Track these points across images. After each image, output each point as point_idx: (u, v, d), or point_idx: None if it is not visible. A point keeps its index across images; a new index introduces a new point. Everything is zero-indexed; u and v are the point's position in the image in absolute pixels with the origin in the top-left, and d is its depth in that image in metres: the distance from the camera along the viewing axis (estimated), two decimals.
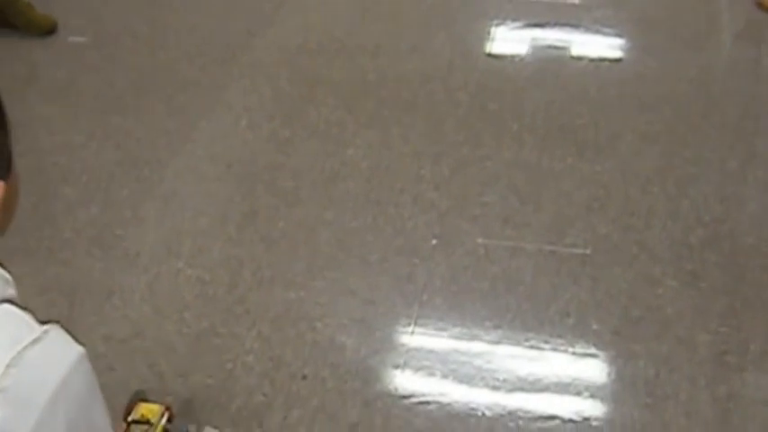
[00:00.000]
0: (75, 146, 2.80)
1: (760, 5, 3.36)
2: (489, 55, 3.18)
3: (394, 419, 1.92)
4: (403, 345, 2.10)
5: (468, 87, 2.99)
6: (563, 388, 1.98)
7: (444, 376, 2.02)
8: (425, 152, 2.70)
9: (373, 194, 2.54)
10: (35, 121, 2.90)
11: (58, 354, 0.76)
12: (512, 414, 1.93)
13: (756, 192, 2.52)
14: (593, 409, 1.94)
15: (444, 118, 2.85)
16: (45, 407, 0.72)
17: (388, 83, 3.03)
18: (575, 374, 2.01)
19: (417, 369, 2.04)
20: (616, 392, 1.97)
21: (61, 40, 3.39)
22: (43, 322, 0.79)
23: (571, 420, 1.91)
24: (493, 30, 3.30)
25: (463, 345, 2.10)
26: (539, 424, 1.90)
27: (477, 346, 2.09)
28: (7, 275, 0.82)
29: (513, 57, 3.18)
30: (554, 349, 2.07)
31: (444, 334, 2.13)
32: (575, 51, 3.17)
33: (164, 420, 1.77)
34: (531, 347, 2.08)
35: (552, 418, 1.92)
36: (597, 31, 3.29)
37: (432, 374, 2.03)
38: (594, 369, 2.04)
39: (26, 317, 0.79)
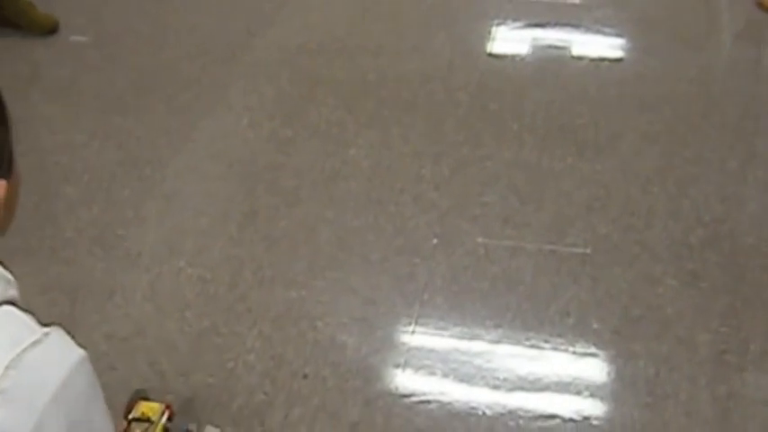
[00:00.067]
0: (76, 145, 2.81)
1: (760, 5, 3.36)
2: (490, 55, 3.18)
3: (395, 418, 1.93)
4: (404, 344, 2.11)
5: (468, 87, 2.99)
6: (563, 387, 1.98)
7: (445, 375, 2.02)
8: (426, 152, 2.70)
9: (374, 194, 2.55)
10: (37, 120, 2.91)
11: (59, 356, 0.76)
12: (512, 413, 1.93)
13: (756, 192, 2.52)
14: (593, 408, 1.94)
15: (445, 118, 2.85)
16: (44, 409, 0.72)
17: (389, 83, 3.04)
18: (575, 374, 2.01)
19: (418, 368, 2.05)
20: (616, 392, 1.98)
21: (63, 39, 3.39)
22: (45, 324, 0.79)
23: (571, 419, 1.91)
24: (493, 30, 3.30)
25: (464, 344, 2.11)
26: (539, 423, 1.91)
27: (477, 346, 2.10)
28: (9, 276, 0.82)
29: (513, 57, 3.18)
30: (554, 348, 2.07)
31: (445, 333, 2.13)
32: (575, 51, 3.18)
33: (164, 418, 1.78)
34: (532, 347, 2.08)
35: (552, 417, 1.92)
36: (598, 31, 3.30)
37: (432, 373, 2.03)
38: (595, 368, 2.04)
39: (27, 318, 0.79)
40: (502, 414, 1.93)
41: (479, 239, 2.37)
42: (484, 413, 1.93)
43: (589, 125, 2.78)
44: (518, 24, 3.33)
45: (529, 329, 2.12)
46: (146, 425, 1.75)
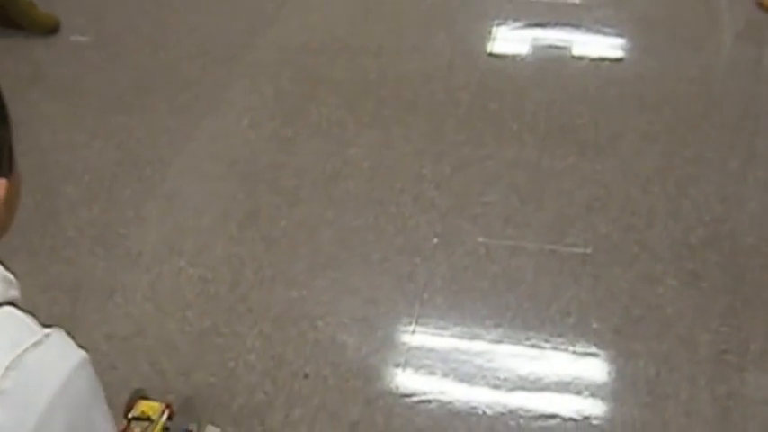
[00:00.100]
0: (77, 145, 2.81)
1: (760, 5, 3.36)
2: (490, 55, 3.18)
3: (395, 418, 1.93)
4: (404, 343, 2.11)
5: (469, 87, 2.99)
6: (563, 387, 1.99)
7: (445, 375, 2.03)
8: (427, 152, 2.70)
9: (375, 194, 2.55)
10: (38, 119, 2.91)
11: (59, 357, 0.76)
12: (512, 412, 1.93)
13: (757, 191, 2.52)
14: (593, 407, 1.94)
15: (445, 118, 2.85)
16: (44, 410, 0.71)
17: (390, 82, 3.04)
18: (575, 373, 2.02)
19: (418, 368, 2.05)
20: (616, 391, 1.98)
21: (64, 39, 3.40)
22: (46, 325, 0.79)
23: (572, 419, 1.91)
24: (494, 30, 3.31)
25: (464, 343, 2.11)
26: (539, 422, 1.91)
27: (477, 345, 2.10)
28: (11, 277, 0.82)
29: (514, 56, 3.19)
30: (555, 348, 2.08)
31: (445, 333, 2.13)
32: (575, 51, 3.18)
33: (164, 417, 1.78)
34: (532, 346, 2.09)
35: (553, 416, 1.92)
36: (598, 31, 3.30)
37: (433, 373, 2.03)
38: (595, 368, 2.05)
39: (28, 319, 0.78)
40: (502, 413, 1.93)
41: (480, 239, 2.37)
42: (484, 412, 1.93)
43: (589, 125, 2.78)
44: (518, 24, 3.34)
45: (529, 329, 2.12)
46: (145, 424, 1.76)
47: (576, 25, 3.32)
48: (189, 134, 2.83)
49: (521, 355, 2.07)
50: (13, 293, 0.80)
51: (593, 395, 1.97)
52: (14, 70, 3.20)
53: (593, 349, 2.07)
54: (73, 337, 0.80)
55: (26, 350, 0.73)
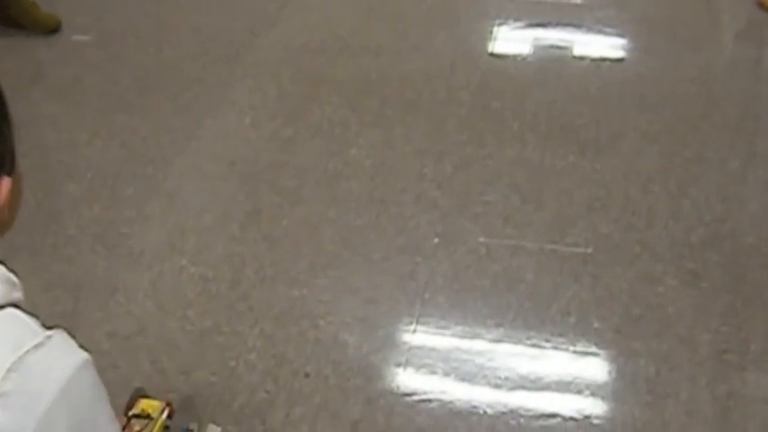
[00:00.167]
0: (79, 144, 2.82)
1: (761, 6, 3.37)
2: (491, 55, 3.19)
3: (396, 417, 1.94)
4: (405, 343, 2.11)
5: (470, 87, 3.00)
6: (564, 386, 1.99)
7: (446, 374, 2.03)
8: (428, 151, 2.71)
9: (376, 193, 2.55)
10: (40, 119, 2.92)
11: (61, 359, 0.76)
12: (513, 412, 1.94)
13: (757, 191, 2.53)
14: (593, 407, 1.94)
15: (447, 117, 2.86)
16: (46, 412, 0.71)
17: (391, 82, 3.04)
18: (576, 373, 2.02)
19: (419, 367, 2.05)
20: (617, 391, 1.98)
21: (65, 38, 3.40)
22: (48, 326, 0.79)
23: (572, 418, 1.92)
24: (495, 29, 3.31)
25: (465, 343, 2.11)
26: (540, 422, 1.91)
27: (478, 345, 2.10)
28: (14, 279, 0.82)
29: (515, 56, 3.19)
30: (555, 348, 2.08)
31: (446, 332, 2.14)
32: (577, 51, 3.18)
33: (164, 415, 1.78)
34: (533, 346, 2.09)
35: (553, 416, 1.93)
36: (599, 32, 3.30)
37: (433, 372, 2.04)
38: (595, 367, 2.05)
39: (31, 321, 0.78)
40: (503, 413, 1.93)
41: (481, 238, 2.38)
42: (485, 412, 1.94)
43: (590, 125, 2.79)
44: (520, 24, 3.34)
45: (530, 328, 2.13)
46: (145, 421, 1.76)
47: (577, 25, 3.33)
48: (191, 133, 2.84)
49: (521, 355, 2.08)
50: (17, 295, 0.80)
51: (593, 394, 1.97)
52: (16, 69, 3.20)
53: (594, 349, 2.08)
54: (74, 338, 0.80)
55: (27, 352, 0.73)
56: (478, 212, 2.47)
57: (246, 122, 2.88)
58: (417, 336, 2.13)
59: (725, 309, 2.15)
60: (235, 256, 2.36)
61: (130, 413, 1.77)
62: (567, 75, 3.05)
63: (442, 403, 1.96)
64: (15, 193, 0.86)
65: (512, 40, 3.28)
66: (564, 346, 2.08)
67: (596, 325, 2.13)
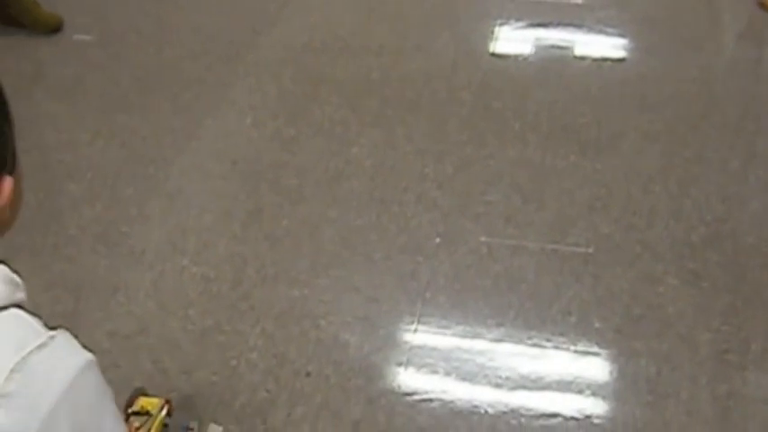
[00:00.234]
0: (80, 143, 2.82)
1: (761, 6, 3.37)
2: (493, 54, 3.19)
3: (397, 416, 1.94)
4: (406, 342, 2.11)
5: (471, 87, 3.00)
6: (565, 386, 1.99)
7: (447, 374, 2.03)
8: (429, 151, 2.71)
9: (377, 193, 2.55)
10: (41, 118, 2.92)
11: (65, 360, 0.76)
12: (514, 411, 1.94)
13: (758, 191, 2.53)
14: (594, 406, 1.95)
15: (448, 117, 2.86)
16: (49, 412, 0.71)
17: (392, 82, 3.04)
18: (576, 372, 2.02)
19: (420, 366, 2.05)
20: (618, 390, 1.98)
21: (67, 38, 3.40)
22: (50, 326, 0.79)
23: (573, 418, 1.92)
24: (496, 29, 3.31)
25: (466, 342, 2.11)
26: (541, 421, 1.92)
27: (479, 344, 2.10)
28: (18, 280, 0.81)
29: (516, 56, 3.19)
30: (556, 347, 2.08)
31: (447, 332, 2.14)
32: (578, 51, 3.19)
33: (163, 413, 1.78)
34: (534, 345, 2.09)
35: (554, 415, 1.93)
36: (600, 32, 3.30)
37: (434, 372, 2.04)
38: (596, 367, 2.05)
39: (34, 322, 0.78)
40: (504, 412, 1.94)
41: (482, 238, 2.38)
42: (486, 411, 1.94)
43: (591, 124, 2.79)
44: (521, 24, 3.34)
45: (531, 328, 2.13)
46: (144, 418, 1.76)
47: (578, 25, 3.33)
48: (192, 133, 2.84)
49: (522, 354, 2.08)
50: (20, 296, 0.80)
51: (594, 394, 1.98)
52: (17, 69, 3.21)
53: (595, 348, 2.08)
54: (76, 337, 0.80)
55: (31, 353, 0.73)
56: (480, 212, 2.47)
57: (248, 122, 2.88)
58: (418, 335, 2.13)
59: (725, 308, 2.16)
60: (236, 255, 2.36)
61: (129, 410, 1.77)
62: (568, 75, 3.05)
63: (444, 403, 1.96)
64: (16, 192, 0.86)
65: (513, 39, 3.28)
66: (565, 346, 2.08)
67: (597, 325, 2.13)
